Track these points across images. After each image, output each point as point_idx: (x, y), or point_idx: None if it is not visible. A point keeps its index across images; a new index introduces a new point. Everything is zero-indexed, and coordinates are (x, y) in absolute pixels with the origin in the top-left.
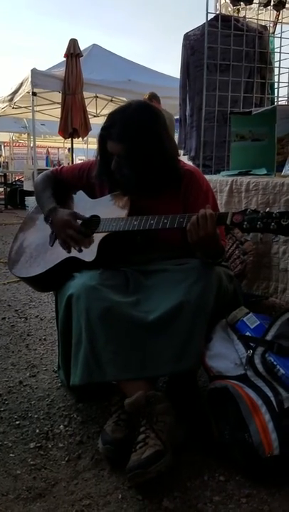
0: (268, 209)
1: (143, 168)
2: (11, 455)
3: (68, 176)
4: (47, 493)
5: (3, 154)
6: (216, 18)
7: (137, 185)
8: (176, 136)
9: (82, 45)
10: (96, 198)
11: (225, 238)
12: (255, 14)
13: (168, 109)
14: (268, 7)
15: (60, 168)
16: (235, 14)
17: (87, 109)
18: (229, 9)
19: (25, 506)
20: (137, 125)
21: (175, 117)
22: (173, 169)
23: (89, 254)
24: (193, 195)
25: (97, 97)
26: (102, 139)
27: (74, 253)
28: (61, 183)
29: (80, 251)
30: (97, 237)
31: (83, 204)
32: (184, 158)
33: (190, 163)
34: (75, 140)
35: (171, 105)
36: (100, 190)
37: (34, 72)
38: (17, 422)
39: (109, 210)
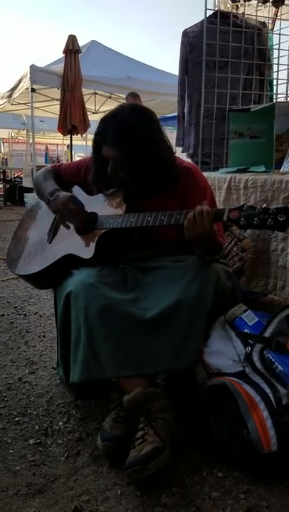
0: (264, 205)
1: (140, 171)
2: (11, 451)
3: (66, 173)
4: (46, 489)
5: (2, 151)
6: (214, 14)
7: (135, 188)
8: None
9: (81, 41)
10: (93, 195)
11: (223, 235)
12: (254, 11)
13: (167, 106)
14: (267, 3)
15: (59, 165)
16: (234, 11)
17: (86, 106)
18: (228, 5)
19: (25, 502)
20: (130, 129)
21: (173, 114)
22: (169, 169)
23: (87, 251)
24: (191, 193)
25: (96, 93)
26: (97, 144)
27: (72, 250)
28: (59, 179)
29: (79, 231)
30: (95, 234)
31: (81, 201)
32: (183, 155)
33: (189, 160)
34: (74, 137)
35: (170, 102)
36: (96, 188)
37: (33, 69)
38: (16, 419)
39: (106, 207)
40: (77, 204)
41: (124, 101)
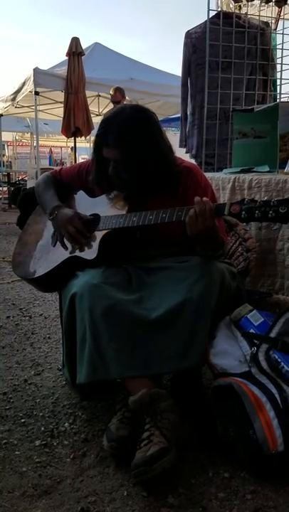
0: (265, 198)
1: (140, 172)
2: (17, 453)
3: (68, 176)
4: (52, 490)
5: (7, 153)
6: (217, 15)
7: (136, 188)
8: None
9: (84, 43)
10: (96, 197)
11: (225, 232)
12: (256, 11)
13: (170, 107)
14: (270, 3)
15: (60, 169)
16: (237, 11)
17: (90, 108)
18: (231, 6)
19: (31, 503)
20: (131, 129)
21: (177, 115)
22: (170, 169)
23: (90, 252)
24: (192, 192)
25: (100, 95)
26: (98, 145)
27: (76, 252)
28: (61, 184)
29: (82, 250)
30: (98, 235)
31: (84, 203)
32: (186, 156)
33: (192, 160)
34: (78, 139)
35: (173, 103)
36: (99, 189)
37: (36, 72)
38: (22, 420)
39: (109, 208)
40: (77, 225)
41: (126, 101)
